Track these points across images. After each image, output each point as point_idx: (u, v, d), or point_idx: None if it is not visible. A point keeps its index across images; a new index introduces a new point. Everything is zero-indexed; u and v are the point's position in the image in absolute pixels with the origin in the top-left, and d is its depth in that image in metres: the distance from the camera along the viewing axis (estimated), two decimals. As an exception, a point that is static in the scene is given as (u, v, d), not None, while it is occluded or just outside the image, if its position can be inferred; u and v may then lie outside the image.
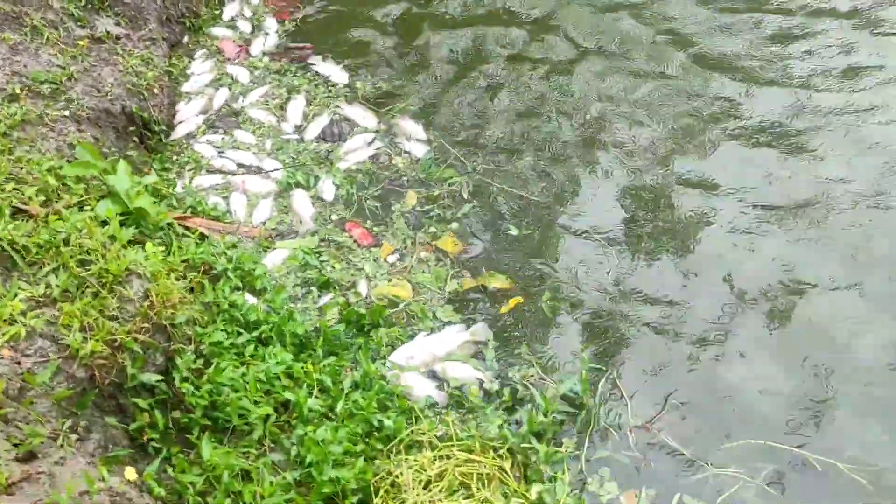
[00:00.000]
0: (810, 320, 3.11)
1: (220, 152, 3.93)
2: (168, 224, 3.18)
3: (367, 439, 2.60)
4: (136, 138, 3.76)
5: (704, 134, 3.96)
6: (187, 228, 3.32)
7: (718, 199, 3.63)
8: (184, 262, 2.95)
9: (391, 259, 3.43)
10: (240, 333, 2.83)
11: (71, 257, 2.48)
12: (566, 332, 3.13)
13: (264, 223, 3.60)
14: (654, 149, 3.90)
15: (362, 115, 4.12)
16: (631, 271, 3.35)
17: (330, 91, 4.31)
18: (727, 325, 3.12)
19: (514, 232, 3.53)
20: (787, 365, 2.96)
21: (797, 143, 3.86)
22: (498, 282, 3.32)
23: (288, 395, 2.63)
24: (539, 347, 3.07)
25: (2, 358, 2.11)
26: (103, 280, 2.47)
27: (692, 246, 3.44)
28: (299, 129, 4.09)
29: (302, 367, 2.74)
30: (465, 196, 3.70)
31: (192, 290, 2.85)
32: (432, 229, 3.55)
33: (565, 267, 3.38)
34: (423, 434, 2.61)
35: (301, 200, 3.68)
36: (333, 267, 3.39)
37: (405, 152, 3.95)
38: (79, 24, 3.95)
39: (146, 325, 2.45)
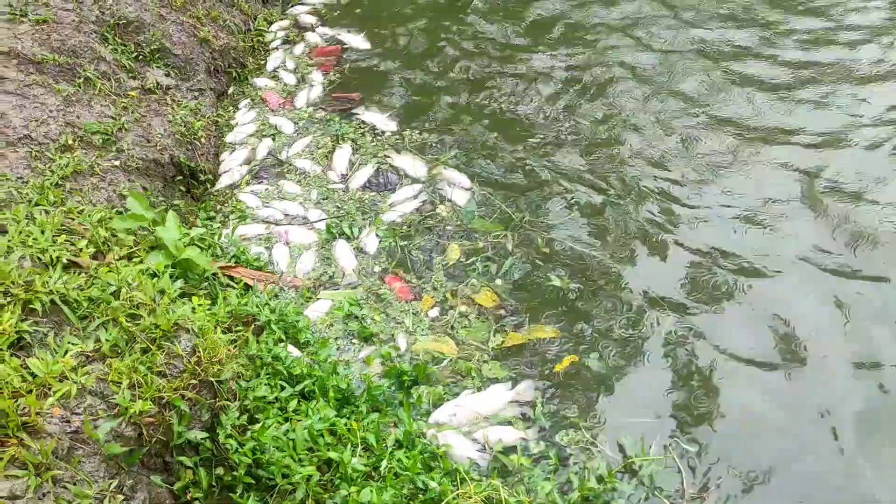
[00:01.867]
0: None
1: (264, 203, 3.95)
2: (213, 274, 3.20)
3: (411, 502, 2.54)
4: (182, 187, 3.81)
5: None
6: (231, 279, 3.33)
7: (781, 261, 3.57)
8: (228, 313, 2.95)
9: (432, 313, 3.40)
10: (283, 388, 2.80)
11: (121, 311, 2.49)
12: (620, 394, 3.05)
13: (307, 274, 3.60)
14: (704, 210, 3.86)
15: (411, 164, 4.13)
16: (687, 332, 3.27)
17: (377, 140, 4.34)
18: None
19: (557, 283, 3.49)
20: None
21: None
22: (543, 332, 3.27)
23: (332, 454, 2.58)
24: (590, 409, 2.99)
25: (52, 417, 2.10)
26: (152, 335, 2.47)
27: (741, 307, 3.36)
28: (345, 178, 4.11)
29: (345, 424, 2.70)
30: (510, 248, 3.67)
31: (234, 340, 2.84)
32: (474, 282, 3.52)
33: (615, 324, 3.31)
34: (470, 497, 2.54)
35: (343, 252, 3.69)
36: (374, 320, 3.37)
37: (448, 201, 3.94)
38: (130, 75, 4.04)
39: (193, 381, 2.43)
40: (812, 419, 2.91)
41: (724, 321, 3.29)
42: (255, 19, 5.12)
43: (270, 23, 5.27)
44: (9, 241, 2.65)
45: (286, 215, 3.89)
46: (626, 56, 4.91)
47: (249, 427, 2.57)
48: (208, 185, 3.98)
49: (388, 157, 4.19)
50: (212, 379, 2.50)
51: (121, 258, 2.91)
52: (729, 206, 3.82)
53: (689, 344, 3.19)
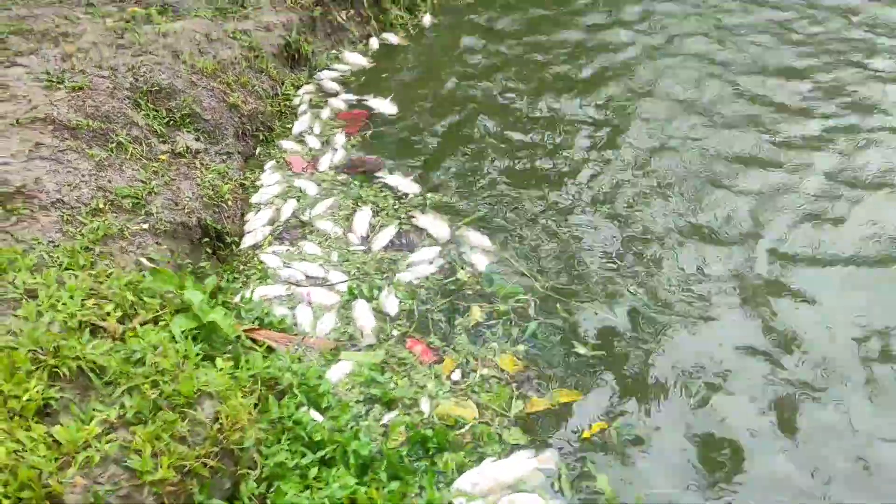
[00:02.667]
0: None
1: (286, 263, 4.00)
2: (237, 336, 3.22)
3: (433, 575, 2.50)
4: (208, 249, 3.87)
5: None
6: (254, 341, 3.35)
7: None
8: (251, 377, 2.96)
9: (454, 376, 3.38)
10: (304, 454, 2.79)
11: (145, 377, 2.51)
12: (649, 462, 2.99)
13: (328, 334, 3.61)
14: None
15: (435, 225, 4.17)
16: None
17: (399, 202, 4.40)
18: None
19: (581, 351, 3.47)
20: None
21: None
22: (566, 397, 3.24)
23: (351, 523, 2.55)
24: (619, 478, 2.93)
25: (75, 487, 2.11)
26: (175, 402, 2.48)
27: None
28: (366, 239, 4.16)
29: (366, 493, 2.68)
30: (532, 313, 3.66)
31: (256, 405, 2.84)
32: (494, 345, 3.51)
33: (642, 392, 3.27)
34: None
35: (363, 313, 3.69)
36: (396, 384, 3.35)
37: (469, 265, 3.96)
38: (161, 139, 4.15)
39: (215, 448, 2.43)
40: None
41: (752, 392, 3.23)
42: (282, 84, 5.26)
43: (297, 87, 5.41)
44: (39, 305, 2.71)
45: (307, 276, 3.93)
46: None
47: (268, 495, 2.56)
48: (234, 247, 4.04)
49: (413, 217, 4.24)
50: (233, 447, 2.50)
51: (146, 322, 2.95)
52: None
53: (718, 414, 3.14)
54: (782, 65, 5.61)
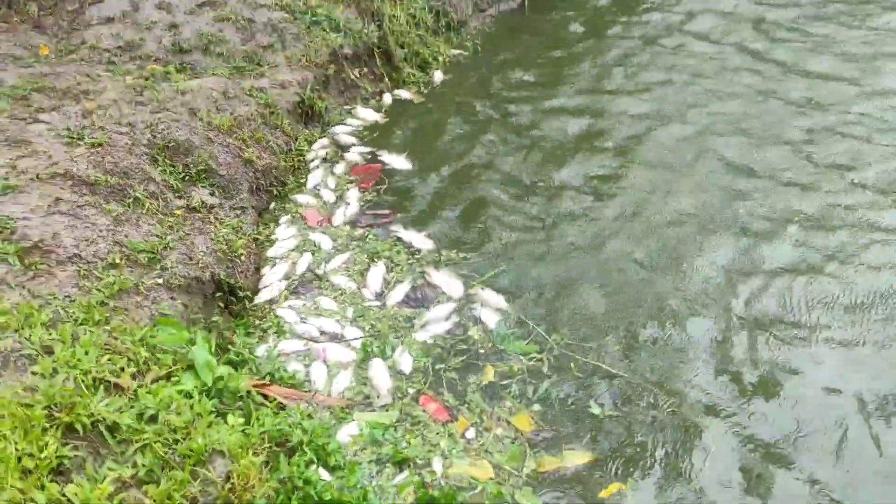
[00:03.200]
0: None
1: (301, 318, 4.01)
2: (247, 392, 3.22)
3: None
4: (221, 304, 3.90)
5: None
6: (265, 396, 3.35)
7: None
8: (261, 434, 2.95)
9: (468, 435, 3.36)
10: (314, 514, 2.77)
11: (158, 435, 2.52)
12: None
13: (342, 393, 3.60)
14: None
15: (448, 283, 4.19)
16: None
17: (413, 257, 4.44)
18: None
19: (595, 412, 3.45)
20: None
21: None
22: (578, 458, 3.22)
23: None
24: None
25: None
26: (187, 460, 2.48)
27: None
28: (380, 295, 4.18)
29: (376, 556, 2.65)
30: (546, 371, 3.65)
31: (267, 462, 2.84)
32: (508, 404, 3.50)
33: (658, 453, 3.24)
34: None
35: (379, 372, 3.68)
36: (409, 443, 3.33)
37: (481, 323, 3.96)
38: (177, 194, 4.22)
39: (226, 509, 2.43)
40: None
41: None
42: (296, 140, 5.36)
43: (311, 143, 5.50)
44: (54, 362, 2.73)
45: (322, 332, 3.93)
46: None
47: (279, 557, 2.54)
48: (247, 302, 4.06)
49: (426, 273, 4.26)
50: (245, 507, 2.49)
51: (159, 378, 2.96)
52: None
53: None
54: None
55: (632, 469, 3.17)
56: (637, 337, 3.82)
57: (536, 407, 3.47)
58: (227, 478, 2.53)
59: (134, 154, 4.25)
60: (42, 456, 2.27)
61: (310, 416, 3.35)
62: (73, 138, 4.21)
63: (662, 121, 5.69)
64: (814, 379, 3.53)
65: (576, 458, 3.22)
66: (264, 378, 3.50)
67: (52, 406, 2.46)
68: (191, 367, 3.12)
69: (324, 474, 3.01)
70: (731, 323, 3.86)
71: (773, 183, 4.88)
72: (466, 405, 3.50)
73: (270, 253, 4.47)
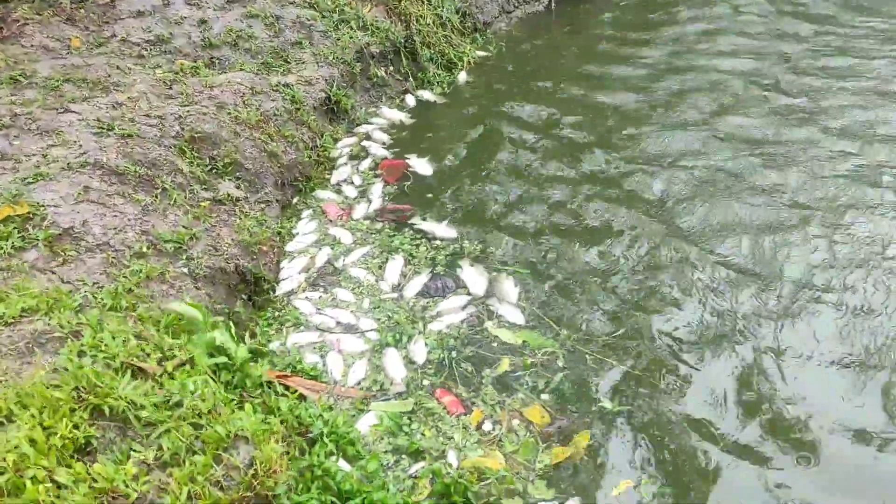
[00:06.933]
0: None
1: (318, 310, 4.05)
2: (268, 383, 3.25)
3: None
4: (244, 295, 3.94)
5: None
6: (286, 387, 3.38)
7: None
8: (282, 422, 2.98)
9: (483, 426, 3.38)
10: (333, 503, 2.79)
11: (183, 420, 2.55)
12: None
13: (359, 383, 3.63)
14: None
15: (475, 278, 4.21)
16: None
17: (433, 248, 4.47)
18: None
19: (607, 406, 3.44)
20: None
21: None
22: (583, 437, 3.25)
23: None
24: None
25: (114, 525, 2.14)
26: (211, 444, 2.51)
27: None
28: (398, 287, 4.21)
29: (394, 546, 2.66)
30: (560, 364, 3.66)
31: (287, 452, 2.86)
32: (521, 396, 3.50)
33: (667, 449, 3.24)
34: None
35: (393, 362, 3.72)
36: (424, 434, 3.36)
37: (497, 316, 3.98)
38: (203, 186, 4.27)
39: (249, 494, 2.45)
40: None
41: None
42: (321, 137, 5.40)
43: (336, 140, 5.56)
44: (82, 345, 2.77)
45: (338, 323, 3.97)
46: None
47: (298, 543, 2.55)
48: (270, 294, 4.10)
49: (459, 266, 4.30)
50: (266, 492, 2.51)
51: (183, 363, 3.00)
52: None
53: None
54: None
55: (643, 464, 3.18)
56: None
57: (547, 397, 3.49)
58: (251, 464, 2.55)
59: (162, 146, 4.31)
60: (69, 436, 2.30)
61: (330, 407, 3.38)
62: (104, 129, 4.28)
63: (686, 130, 5.67)
64: None
65: (582, 439, 3.24)
66: (285, 369, 3.54)
67: (80, 388, 2.50)
68: (213, 355, 3.16)
69: (343, 465, 3.03)
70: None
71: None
72: (481, 398, 3.51)
73: (290, 247, 4.52)
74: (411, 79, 6.41)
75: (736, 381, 3.53)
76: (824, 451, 3.18)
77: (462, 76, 6.66)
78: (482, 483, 3.10)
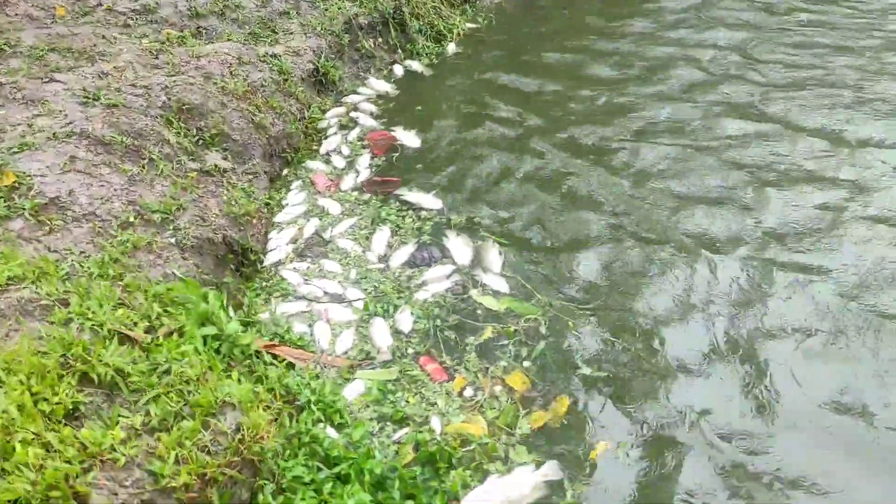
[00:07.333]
0: None
1: (306, 280, 4.08)
2: (256, 352, 3.29)
3: None
4: (233, 266, 3.96)
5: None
6: (274, 356, 3.42)
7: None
8: (270, 391, 3.02)
9: (465, 393, 3.43)
10: (319, 469, 2.84)
11: (170, 386, 2.58)
12: (651, 480, 3.02)
13: (346, 352, 3.67)
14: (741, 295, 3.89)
15: (460, 248, 4.24)
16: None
17: (419, 219, 4.51)
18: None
19: (586, 371, 3.50)
20: None
21: None
22: (562, 403, 3.32)
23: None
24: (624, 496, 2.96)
25: (101, 488, 2.17)
26: (199, 411, 2.55)
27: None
28: (384, 258, 4.24)
29: (379, 510, 2.72)
30: (543, 332, 3.71)
31: (276, 419, 2.90)
32: (503, 363, 3.56)
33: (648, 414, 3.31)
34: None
35: (380, 330, 3.77)
36: (408, 401, 3.41)
37: (482, 285, 4.02)
38: (191, 157, 4.27)
39: (236, 458, 2.49)
40: None
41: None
42: (309, 108, 5.39)
43: (324, 111, 5.54)
44: (69, 313, 2.80)
45: (325, 293, 4.01)
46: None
47: (284, 507, 2.61)
48: (258, 265, 4.12)
49: (444, 236, 4.34)
50: (253, 458, 2.55)
51: (171, 332, 3.03)
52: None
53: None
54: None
55: (622, 427, 3.25)
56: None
57: (528, 364, 3.55)
58: (238, 429, 2.59)
59: (149, 116, 4.30)
60: (56, 401, 2.33)
61: (317, 376, 3.42)
62: (89, 98, 4.26)
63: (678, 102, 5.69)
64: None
65: (560, 406, 3.30)
66: (273, 339, 3.57)
67: (67, 355, 2.53)
68: (202, 324, 3.19)
69: (331, 432, 3.08)
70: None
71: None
72: (463, 365, 3.56)
73: (279, 218, 4.53)
74: (400, 50, 6.38)
75: (708, 348, 3.61)
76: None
77: (451, 48, 6.64)
78: (465, 449, 3.16)
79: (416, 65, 6.32)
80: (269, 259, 4.24)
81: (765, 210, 4.49)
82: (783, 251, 4.16)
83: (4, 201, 3.39)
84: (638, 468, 3.08)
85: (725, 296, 3.89)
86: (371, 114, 5.61)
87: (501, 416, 3.31)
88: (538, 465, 3.08)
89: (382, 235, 4.38)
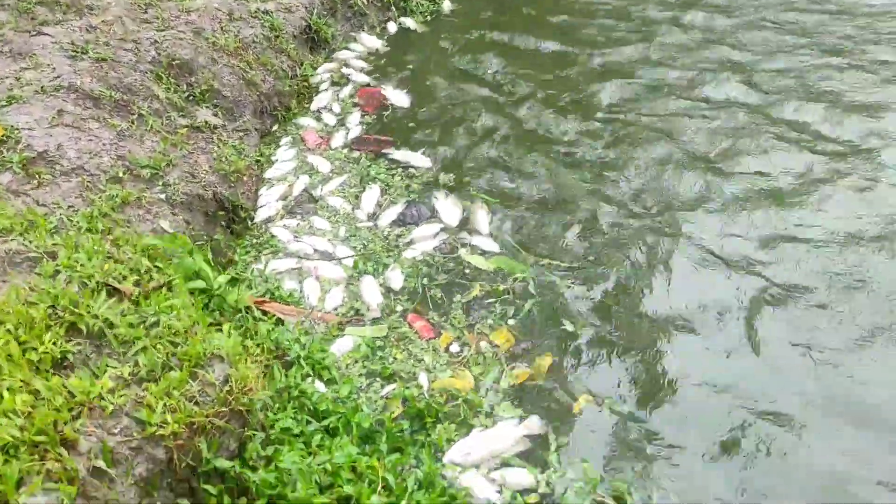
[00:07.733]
0: None
1: (295, 237, 4.09)
2: (246, 307, 3.31)
3: (429, 542, 2.58)
4: (223, 222, 3.96)
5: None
6: (264, 312, 3.44)
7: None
8: (258, 345, 3.05)
9: (452, 349, 3.47)
10: (308, 422, 2.88)
11: (158, 338, 2.60)
12: (633, 437, 3.08)
13: (336, 309, 3.69)
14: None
15: (450, 209, 4.25)
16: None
17: (408, 179, 4.51)
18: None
19: (570, 328, 3.54)
20: None
21: None
22: (544, 360, 3.37)
23: (348, 489, 2.63)
24: (606, 454, 3.02)
25: (89, 435, 2.20)
26: (187, 363, 2.57)
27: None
28: (374, 216, 4.24)
29: (366, 463, 2.76)
30: (532, 291, 3.73)
31: (265, 373, 2.93)
32: (490, 321, 3.59)
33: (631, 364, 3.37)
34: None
35: (370, 288, 3.79)
36: (396, 358, 3.44)
37: (470, 245, 4.03)
38: (180, 113, 4.24)
39: (224, 409, 2.52)
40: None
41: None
42: (301, 65, 5.33)
43: (315, 69, 5.49)
44: (57, 265, 2.80)
45: (315, 250, 4.02)
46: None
47: (273, 458, 2.64)
48: (248, 222, 4.12)
49: (434, 197, 4.34)
50: (241, 408, 2.58)
51: (160, 286, 3.03)
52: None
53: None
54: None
55: (604, 382, 3.31)
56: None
57: (513, 322, 3.58)
58: (226, 381, 2.62)
59: (138, 70, 4.26)
60: (44, 349, 2.35)
61: (307, 332, 3.44)
62: (77, 52, 4.21)
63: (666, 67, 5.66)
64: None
65: (543, 361, 3.35)
66: (263, 295, 3.59)
67: (55, 306, 2.54)
68: (191, 278, 3.20)
69: (319, 386, 3.11)
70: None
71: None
72: (450, 322, 3.60)
73: (269, 174, 4.53)
74: (393, 7, 6.29)
75: (698, 304, 3.64)
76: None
77: (446, 5, 6.55)
78: (451, 404, 3.20)
79: (409, 22, 6.25)
80: (260, 216, 4.24)
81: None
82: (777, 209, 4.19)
83: (-8, 154, 3.37)
84: (621, 421, 3.13)
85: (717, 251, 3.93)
86: (361, 70, 5.56)
87: (486, 373, 3.35)
88: (522, 419, 3.13)
89: (372, 194, 4.37)
